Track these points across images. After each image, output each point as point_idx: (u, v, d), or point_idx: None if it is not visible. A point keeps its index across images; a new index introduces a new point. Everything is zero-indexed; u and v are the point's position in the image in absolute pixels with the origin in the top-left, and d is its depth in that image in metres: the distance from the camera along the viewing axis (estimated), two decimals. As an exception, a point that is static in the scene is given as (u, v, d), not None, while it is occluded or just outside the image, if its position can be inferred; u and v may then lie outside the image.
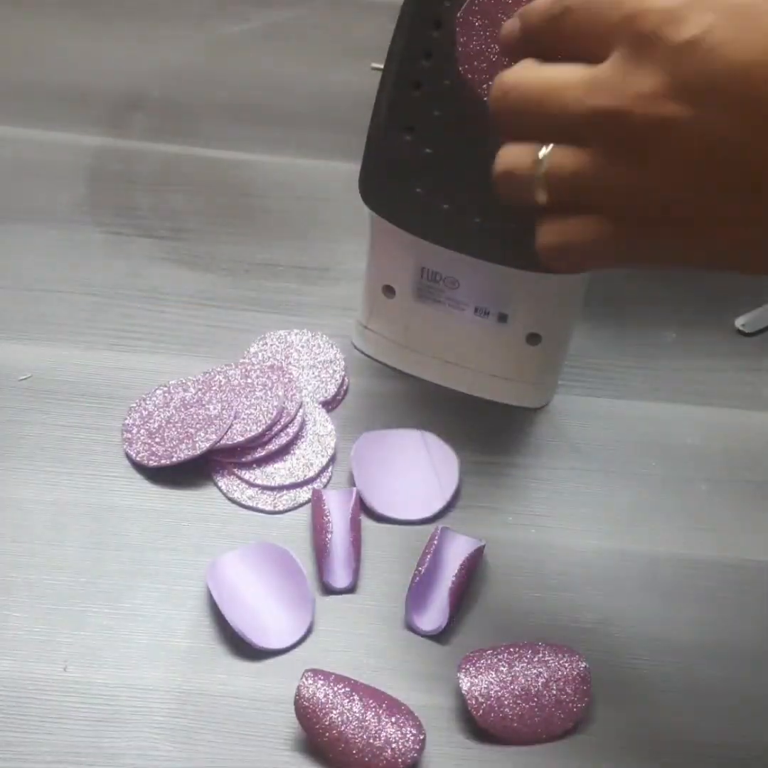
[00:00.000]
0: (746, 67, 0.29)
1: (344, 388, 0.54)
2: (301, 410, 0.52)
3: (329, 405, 0.53)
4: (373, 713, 0.42)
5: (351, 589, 0.47)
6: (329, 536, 0.46)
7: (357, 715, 0.41)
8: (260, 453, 0.50)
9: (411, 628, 0.46)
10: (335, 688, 0.42)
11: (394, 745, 0.41)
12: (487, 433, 0.53)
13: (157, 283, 0.57)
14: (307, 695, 0.42)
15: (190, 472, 0.50)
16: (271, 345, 0.55)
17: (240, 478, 0.50)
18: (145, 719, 0.42)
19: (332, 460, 0.51)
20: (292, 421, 0.51)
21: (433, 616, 0.46)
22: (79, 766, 0.41)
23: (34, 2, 0.72)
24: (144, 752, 0.41)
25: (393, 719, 0.42)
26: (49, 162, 0.63)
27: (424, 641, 0.45)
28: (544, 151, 0.33)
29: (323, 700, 0.41)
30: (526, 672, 0.43)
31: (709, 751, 0.44)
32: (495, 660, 0.44)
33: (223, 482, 0.49)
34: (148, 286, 0.57)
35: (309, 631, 0.45)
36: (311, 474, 0.50)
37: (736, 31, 0.30)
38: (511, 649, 0.44)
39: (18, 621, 0.44)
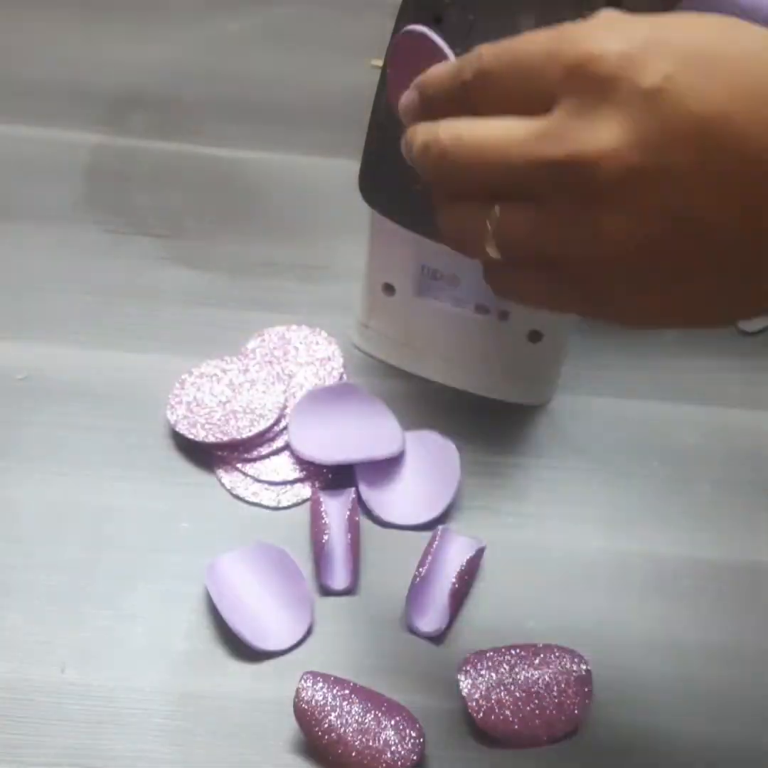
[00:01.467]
0: (707, 118, 0.28)
1: (343, 387, 0.54)
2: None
3: (329, 404, 0.53)
4: (372, 715, 0.41)
5: (350, 591, 0.46)
6: (326, 538, 0.46)
7: (356, 717, 0.41)
8: (265, 448, 0.50)
9: (411, 629, 0.45)
10: (334, 690, 0.42)
11: (393, 748, 0.41)
12: (487, 433, 0.53)
13: (155, 282, 0.57)
14: (306, 697, 0.41)
15: (189, 472, 0.49)
16: (269, 341, 0.54)
17: (244, 473, 0.49)
18: (144, 721, 0.42)
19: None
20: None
21: (434, 618, 0.45)
22: (77, 769, 0.41)
23: (33, 1, 0.71)
24: (142, 754, 0.41)
25: (392, 721, 0.41)
26: (48, 160, 0.62)
27: (424, 643, 0.45)
28: (494, 211, 0.32)
29: (322, 702, 0.41)
30: (527, 674, 0.43)
31: (710, 753, 0.43)
32: (496, 662, 0.43)
33: (227, 478, 0.49)
34: (146, 285, 0.57)
35: (308, 633, 0.45)
36: (314, 469, 0.50)
37: (695, 80, 0.29)
38: (512, 651, 0.44)
39: (16, 622, 0.44)
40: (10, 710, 0.42)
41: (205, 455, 0.50)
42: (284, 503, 0.49)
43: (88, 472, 0.49)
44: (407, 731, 0.41)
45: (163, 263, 0.58)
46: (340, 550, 0.47)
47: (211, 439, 0.49)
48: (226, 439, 0.49)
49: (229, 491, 0.49)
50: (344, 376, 0.54)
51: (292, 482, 0.50)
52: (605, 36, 0.30)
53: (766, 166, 0.29)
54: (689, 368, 0.56)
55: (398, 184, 0.46)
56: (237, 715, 0.43)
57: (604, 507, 0.50)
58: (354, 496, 0.48)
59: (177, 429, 0.50)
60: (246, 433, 0.49)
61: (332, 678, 0.42)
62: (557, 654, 0.44)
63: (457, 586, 0.45)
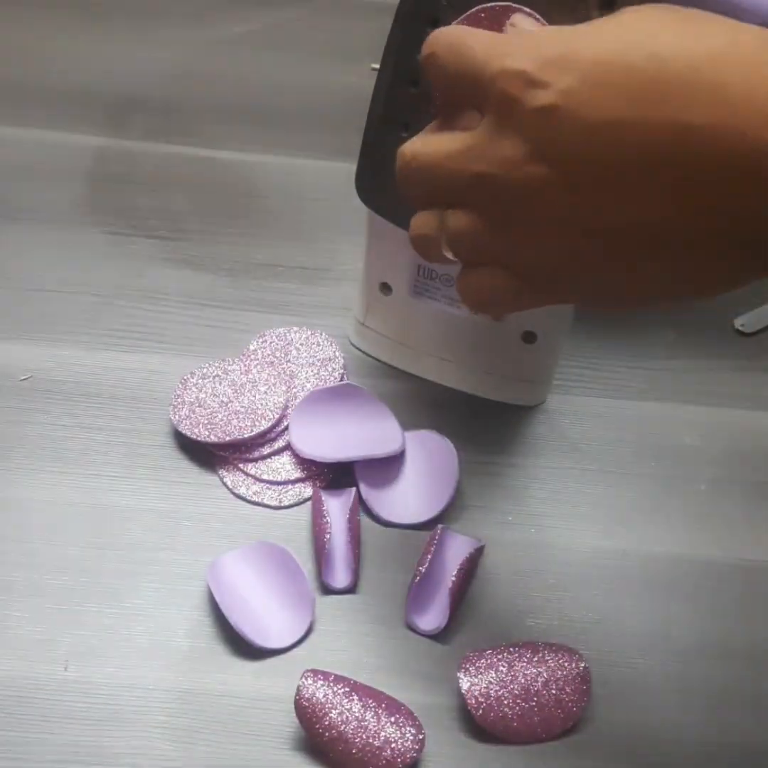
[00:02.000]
0: (598, 127, 0.30)
1: (344, 387, 0.54)
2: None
3: (329, 405, 0.53)
4: (372, 713, 0.42)
5: (351, 589, 0.47)
6: (328, 537, 0.46)
7: (356, 714, 0.42)
8: (266, 448, 0.50)
9: (411, 627, 0.46)
10: (335, 688, 0.42)
11: (393, 745, 0.41)
12: (486, 432, 0.53)
13: (157, 284, 0.57)
14: (306, 695, 0.42)
15: (191, 472, 0.50)
16: (271, 342, 0.55)
17: (246, 473, 0.50)
18: (146, 719, 0.42)
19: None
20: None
21: (433, 616, 0.46)
22: (80, 765, 0.41)
23: (34, 2, 0.72)
24: (144, 752, 0.42)
25: (392, 719, 0.42)
26: (50, 162, 0.63)
27: (423, 641, 0.46)
28: (445, 215, 0.35)
29: (323, 700, 0.42)
30: (525, 672, 0.43)
31: (709, 751, 0.44)
32: (495, 660, 0.44)
33: (229, 478, 0.50)
34: (148, 286, 0.57)
35: (309, 631, 0.45)
36: (315, 469, 0.50)
37: (593, 91, 0.30)
38: (511, 649, 0.44)
39: (19, 620, 0.45)
40: (12, 708, 0.42)
41: (207, 455, 0.50)
42: (286, 503, 0.49)
43: (91, 472, 0.50)
44: (407, 729, 0.42)
45: (164, 265, 0.58)
46: (341, 549, 0.47)
47: (213, 439, 0.50)
48: (228, 439, 0.50)
49: (231, 491, 0.50)
50: (345, 377, 0.54)
51: (294, 482, 0.50)
52: (519, 55, 0.32)
53: (666, 166, 0.30)
54: (688, 368, 0.56)
55: (394, 184, 0.46)
56: (238, 713, 0.43)
57: (601, 506, 0.51)
58: (355, 495, 0.49)
59: (179, 429, 0.50)
60: (248, 434, 0.50)
61: (333, 676, 0.42)
62: (556, 652, 0.44)
63: (456, 584, 0.45)
